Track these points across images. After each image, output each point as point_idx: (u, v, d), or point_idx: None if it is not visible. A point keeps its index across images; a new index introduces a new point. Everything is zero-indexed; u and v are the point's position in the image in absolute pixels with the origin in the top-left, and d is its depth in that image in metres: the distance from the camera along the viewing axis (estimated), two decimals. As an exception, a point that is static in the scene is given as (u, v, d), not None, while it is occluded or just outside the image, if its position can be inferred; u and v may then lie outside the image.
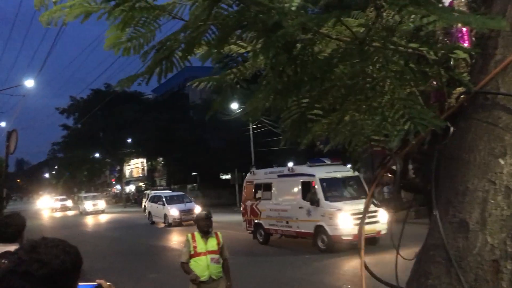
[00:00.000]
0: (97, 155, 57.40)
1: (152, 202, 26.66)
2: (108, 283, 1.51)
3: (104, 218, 34.46)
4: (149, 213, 26.42)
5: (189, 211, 23.79)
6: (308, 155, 38.71)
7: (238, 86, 2.44)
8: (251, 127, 33.75)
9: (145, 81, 2.12)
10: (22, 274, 1.22)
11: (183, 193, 29.64)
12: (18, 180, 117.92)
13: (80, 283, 1.49)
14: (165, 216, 24.19)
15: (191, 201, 26.55)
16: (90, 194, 42.71)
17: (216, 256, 5.40)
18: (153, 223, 25.63)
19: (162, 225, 24.33)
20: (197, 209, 22.28)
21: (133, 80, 2.12)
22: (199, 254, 5.36)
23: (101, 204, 39.04)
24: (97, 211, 37.49)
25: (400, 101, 1.82)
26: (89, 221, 32.48)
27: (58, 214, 41.47)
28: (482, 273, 1.78)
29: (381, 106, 1.86)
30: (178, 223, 23.55)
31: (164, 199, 25.20)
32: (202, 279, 5.19)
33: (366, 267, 2.05)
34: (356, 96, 2.02)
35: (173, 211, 23.95)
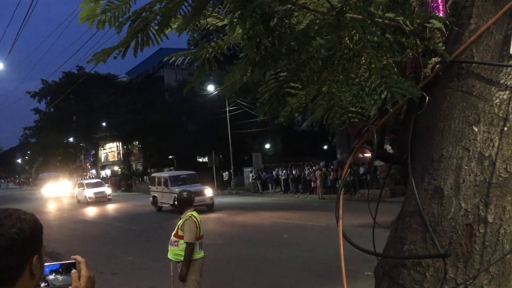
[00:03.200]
0: (71, 139, 56.33)
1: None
2: (83, 259, 1.49)
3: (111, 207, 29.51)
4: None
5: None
6: (284, 135, 38.75)
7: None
8: (227, 109, 33.63)
9: (121, 54, 2.08)
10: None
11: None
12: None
13: (58, 262, 1.49)
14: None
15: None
16: (93, 181, 36.78)
17: (173, 238, 5.49)
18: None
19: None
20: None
21: (108, 53, 2.07)
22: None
23: (107, 191, 33.96)
24: (101, 200, 32.36)
25: (377, 71, 1.84)
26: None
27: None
28: (456, 237, 1.83)
29: (358, 77, 1.87)
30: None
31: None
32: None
33: (344, 236, 2.09)
34: (334, 68, 2.03)
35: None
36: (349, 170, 2.18)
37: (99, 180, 38.24)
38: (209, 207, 22.77)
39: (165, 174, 26.95)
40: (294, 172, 29.64)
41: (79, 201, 33.18)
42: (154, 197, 25.16)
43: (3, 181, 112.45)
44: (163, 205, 24.10)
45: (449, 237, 1.85)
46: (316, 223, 14.91)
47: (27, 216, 1.33)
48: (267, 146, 40.89)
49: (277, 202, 24.97)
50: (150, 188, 26.62)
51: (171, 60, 2.60)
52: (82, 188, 33.30)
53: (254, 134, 36.95)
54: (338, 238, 2.07)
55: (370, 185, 17.94)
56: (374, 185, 18.88)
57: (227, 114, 34.06)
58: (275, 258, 10.17)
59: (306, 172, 28.17)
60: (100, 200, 32.32)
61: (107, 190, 34.18)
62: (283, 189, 30.09)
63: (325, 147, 38.57)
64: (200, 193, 22.13)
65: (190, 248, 5.23)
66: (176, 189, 20.78)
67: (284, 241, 12.29)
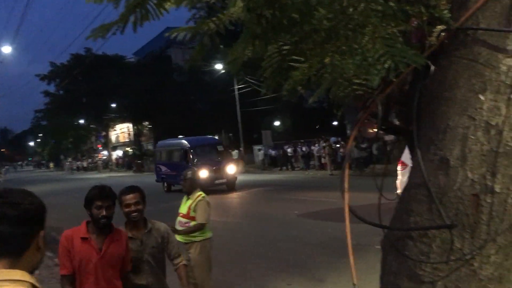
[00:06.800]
0: (81, 121, 56.75)
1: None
2: None
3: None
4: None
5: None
6: (293, 112, 38.59)
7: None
8: (235, 87, 33.50)
9: (120, 30, 2.06)
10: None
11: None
12: (3, 150, 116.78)
13: None
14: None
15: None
16: None
17: (183, 220, 5.41)
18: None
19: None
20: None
21: (107, 28, 2.05)
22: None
23: None
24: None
25: (380, 40, 1.80)
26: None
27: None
28: (463, 208, 1.81)
29: (361, 47, 1.83)
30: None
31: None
32: None
33: (350, 209, 2.08)
34: (337, 39, 1.99)
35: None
36: (354, 144, 2.16)
37: None
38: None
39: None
40: (304, 149, 29.61)
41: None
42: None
43: (19, 163, 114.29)
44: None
45: (456, 207, 1.83)
46: (326, 199, 14.96)
47: (34, 194, 1.45)
48: (277, 123, 40.83)
49: (288, 179, 25.02)
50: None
51: (172, 36, 2.56)
52: None
53: (263, 112, 36.84)
54: (346, 213, 2.06)
55: (379, 159, 17.86)
56: (385, 160, 18.80)
57: (236, 92, 33.94)
58: (290, 234, 10.25)
59: (316, 148, 28.12)
60: None
61: None
62: (292, 166, 30.05)
63: (335, 123, 38.41)
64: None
65: (200, 227, 5.28)
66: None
67: (296, 218, 12.36)
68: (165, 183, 21.77)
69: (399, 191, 10.15)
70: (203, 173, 18.14)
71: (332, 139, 28.77)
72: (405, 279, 1.92)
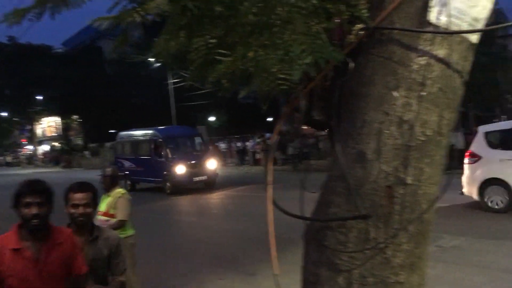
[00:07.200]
0: (4, 114, 53.27)
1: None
2: None
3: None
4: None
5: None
6: (228, 107, 38.54)
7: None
8: (170, 81, 32.93)
9: (36, 16, 1.95)
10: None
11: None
12: None
13: None
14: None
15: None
16: None
17: (103, 218, 5.17)
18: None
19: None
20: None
21: (21, 14, 1.93)
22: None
23: None
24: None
25: (302, 36, 1.84)
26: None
27: None
28: (378, 199, 1.91)
29: (284, 42, 1.87)
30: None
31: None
32: None
33: (274, 202, 2.12)
34: (261, 33, 2.01)
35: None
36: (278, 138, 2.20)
37: None
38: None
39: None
40: (238, 144, 29.74)
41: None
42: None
43: None
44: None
45: (371, 199, 1.92)
46: (260, 195, 15.13)
47: None
48: (213, 119, 40.66)
49: (221, 175, 25.01)
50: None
51: (96, 25, 2.47)
52: None
53: (199, 107, 36.53)
54: (273, 207, 2.10)
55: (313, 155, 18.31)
56: (317, 156, 19.33)
57: (170, 87, 33.34)
58: (224, 229, 10.27)
59: (251, 144, 28.35)
60: None
61: None
62: (224, 162, 30.03)
63: (271, 119, 38.87)
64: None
65: (121, 224, 5.14)
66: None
67: (230, 213, 12.41)
68: (128, 181, 18.62)
69: (464, 189, 10.02)
70: (180, 169, 16.24)
71: (267, 135, 29.13)
72: (324, 268, 1.99)
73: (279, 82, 2.14)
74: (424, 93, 1.88)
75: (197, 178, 16.85)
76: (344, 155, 1.99)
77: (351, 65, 1.98)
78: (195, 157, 17.11)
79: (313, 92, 2.25)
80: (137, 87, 41.44)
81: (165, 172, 16.71)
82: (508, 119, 22.46)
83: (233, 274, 6.99)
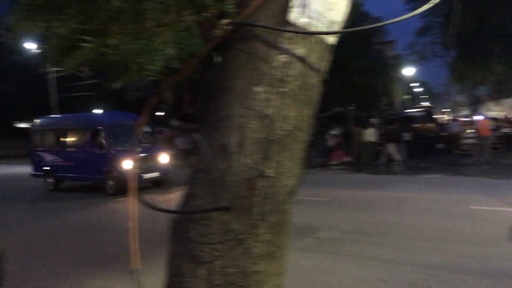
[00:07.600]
0: None
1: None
2: None
3: None
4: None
5: None
6: (116, 100, 37.02)
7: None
8: (50, 69, 30.55)
9: None
10: None
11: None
12: None
13: None
14: None
15: None
16: None
17: None
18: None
19: None
20: None
21: None
22: None
23: None
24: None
25: (165, 27, 1.81)
26: None
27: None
28: (240, 191, 1.95)
29: (147, 31, 1.82)
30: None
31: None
32: None
33: (139, 197, 2.07)
34: (124, 21, 1.93)
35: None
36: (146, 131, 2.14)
37: None
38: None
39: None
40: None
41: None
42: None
43: None
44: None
45: (234, 191, 1.95)
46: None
47: None
48: (100, 111, 38.62)
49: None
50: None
51: None
52: None
53: (83, 98, 34.43)
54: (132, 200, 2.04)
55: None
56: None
57: (51, 76, 30.97)
58: (106, 226, 9.82)
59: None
60: None
61: None
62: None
63: (160, 113, 37.98)
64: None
65: None
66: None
67: (111, 210, 11.91)
68: (50, 178, 15.65)
69: None
70: (127, 164, 12.57)
71: (165, 129, 28.40)
72: (186, 261, 1.99)
73: (147, 73, 2.09)
74: (285, 90, 1.96)
75: (147, 175, 13.48)
76: (209, 148, 2.00)
77: (216, 58, 2.00)
78: (144, 150, 13.47)
79: (182, 85, 2.24)
80: (12, 75, 37.84)
81: (106, 168, 13.58)
82: (382, 119, 24.63)
83: (114, 273, 6.71)
